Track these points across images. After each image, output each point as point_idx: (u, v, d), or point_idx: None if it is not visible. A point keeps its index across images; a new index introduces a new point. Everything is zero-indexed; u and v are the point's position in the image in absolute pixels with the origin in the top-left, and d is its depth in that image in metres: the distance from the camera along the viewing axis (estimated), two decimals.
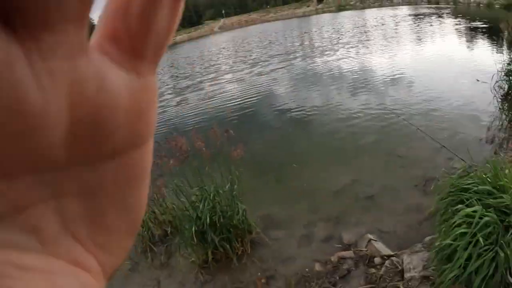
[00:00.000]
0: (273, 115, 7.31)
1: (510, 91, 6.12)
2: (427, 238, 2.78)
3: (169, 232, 3.70)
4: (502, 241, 1.95)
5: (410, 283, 2.32)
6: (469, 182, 2.35)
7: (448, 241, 1.99)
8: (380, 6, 47.43)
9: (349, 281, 2.62)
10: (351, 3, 57.92)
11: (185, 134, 3.59)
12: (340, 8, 52.34)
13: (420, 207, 3.49)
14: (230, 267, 3.13)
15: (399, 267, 2.54)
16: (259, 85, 10.13)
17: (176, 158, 3.08)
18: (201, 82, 12.48)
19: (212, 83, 11.95)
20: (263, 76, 11.32)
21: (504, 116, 5.45)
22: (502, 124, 5.17)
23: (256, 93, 9.25)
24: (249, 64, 14.23)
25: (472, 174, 2.46)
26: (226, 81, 11.75)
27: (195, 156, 3.23)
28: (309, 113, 6.98)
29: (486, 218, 1.95)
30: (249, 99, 8.77)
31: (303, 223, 3.60)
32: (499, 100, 6.04)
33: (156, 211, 3.75)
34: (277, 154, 5.42)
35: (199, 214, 3.01)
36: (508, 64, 6.18)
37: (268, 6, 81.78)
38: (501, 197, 2.12)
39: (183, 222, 3.20)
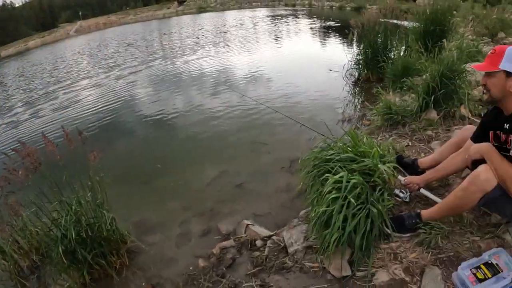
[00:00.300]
0: (135, 119, 6.96)
1: (359, 77, 7.33)
2: (302, 212, 2.96)
3: (37, 260, 3.21)
4: (372, 199, 2.22)
5: (295, 256, 2.45)
6: (331, 153, 2.60)
7: (323, 208, 2.16)
8: (240, 8, 49.15)
9: (237, 269, 2.62)
10: (212, 5, 58.47)
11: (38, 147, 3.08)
12: (201, 10, 52.45)
13: (289, 187, 3.72)
14: (111, 284, 2.86)
15: (282, 244, 2.64)
16: (118, 90, 9.54)
17: (26, 168, 2.58)
18: (55, 91, 11.15)
19: (67, 90, 10.85)
20: (121, 80, 10.68)
21: (356, 100, 6.40)
22: (355, 106, 6.04)
23: (116, 99, 8.68)
24: (107, 68, 13.23)
25: (333, 145, 2.73)
26: (83, 88, 10.77)
27: (49, 164, 2.77)
28: (172, 114, 6.85)
29: (353, 181, 2.18)
30: (108, 105, 8.19)
31: (178, 222, 3.54)
32: (351, 85, 7.14)
33: (19, 240, 3.17)
34: (142, 158, 5.23)
35: (63, 231, 2.63)
36: (357, 54, 7.29)
37: (128, 8, 77.26)
38: (363, 161, 2.40)
39: (49, 245, 2.77)
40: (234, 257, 2.75)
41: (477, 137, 2.22)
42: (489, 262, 1.86)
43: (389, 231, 2.24)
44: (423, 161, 2.82)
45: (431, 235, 2.17)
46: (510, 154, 1.93)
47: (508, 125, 1.96)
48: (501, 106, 2.02)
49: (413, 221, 2.25)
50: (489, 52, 1.98)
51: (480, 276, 1.79)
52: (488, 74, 1.96)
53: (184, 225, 3.48)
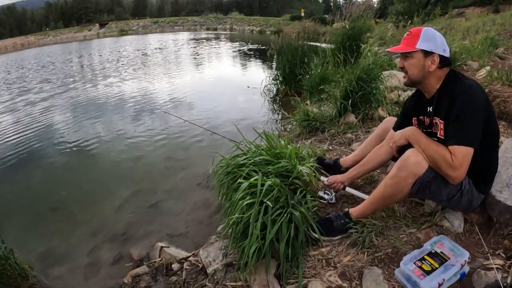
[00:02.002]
0: (46, 147, 6.13)
1: (278, 92, 7.47)
2: (220, 227, 2.68)
3: None
4: (293, 202, 1.94)
5: (215, 277, 2.11)
6: (244, 157, 2.32)
7: (236, 216, 1.84)
8: (162, 31, 49.01)
9: None
10: (134, 28, 57.54)
11: None
12: (122, 33, 51.28)
13: (207, 202, 3.49)
14: None
15: (200, 265, 2.31)
16: (32, 116, 8.39)
17: None
18: None
19: None
20: (34, 106, 9.43)
21: (275, 113, 6.47)
22: (273, 119, 6.07)
23: (28, 125, 7.62)
24: (19, 92, 11.66)
25: (246, 150, 2.45)
26: None
27: None
28: (86, 139, 6.10)
29: (268, 182, 1.91)
30: (15, 135, 7.17)
31: (87, 250, 3.12)
32: (269, 101, 7.24)
33: None
34: (51, 185, 4.62)
35: None
36: (275, 69, 7.49)
37: (48, 29, 72.68)
38: (279, 163, 2.14)
39: None
40: (149, 285, 2.43)
41: (400, 126, 2.12)
42: (433, 251, 1.72)
43: (316, 236, 1.97)
44: (346, 159, 2.67)
45: (363, 233, 1.96)
46: (438, 136, 1.84)
47: (431, 107, 1.89)
48: (422, 88, 1.95)
49: (342, 221, 2.03)
50: (405, 34, 1.91)
51: (426, 267, 1.63)
52: (406, 56, 1.89)
53: (93, 253, 3.09)
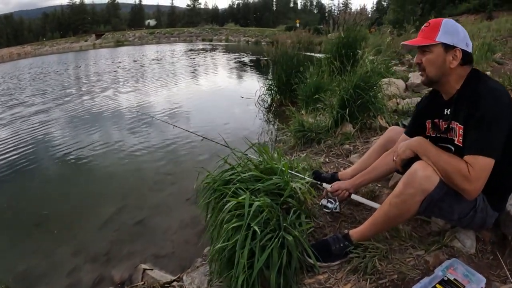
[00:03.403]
0: (29, 161, 5.86)
1: (272, 102, 7.40)
2: (206, 249, 2.48)
3: None
4: (285, 224, 1.72)
5: None
6: (231, 173, 2.10)
7: (219, 243, 1.62)
8: (158, 42, 49.51)
9: None
10: (130, 39, 58.10)
11: None
12: (119, 44, 51.71)
13: (195, 220, 3.31)
14: None
15: None
16: (25, 129, 8.10)
17: None
18: None
19: None
20: (28, 117, 9.13)
21: (269, 124, 6.39)
22: (268, 130, 5.96)
23: (11, 140, 7.37)
24: (12, 104, 11.29)
25: (234, 165, 2.23)
26: None
27: None
28: (75, 152, 5.91)
29: (257, 203, 1.69)
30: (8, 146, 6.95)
31: (67, 270, 2.95)
32: (264, 111, 7.19)
33: None
34: (33, 201, 4.42)
35: None
36: (270, 79, 7.46)
37: (44, 39, 73.06)
38: (270, 179, 1.92)
39: None
40: None
41: (412, 129, 1.93)
42: (445, 278, 1.52)
43: (312, 262, 1.75)
44: (344, 173, 2.46)
45: (365, 258, 1.73)
46: (456, 143, 1.63)
47: (449, 110, 1.67)
48: (440, 88, 1.72)
49: (341, 244, 1.80)
50: (423, 26, 1.69)
51: None
52: (423, 50, 1.65)
53: (73, 274, 2.91)
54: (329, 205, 2.14)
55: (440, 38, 1.59)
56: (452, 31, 1.60)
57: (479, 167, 1.45)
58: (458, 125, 1.61)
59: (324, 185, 2.24)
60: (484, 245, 1.79)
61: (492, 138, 1.47)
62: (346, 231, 1.88)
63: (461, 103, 1.60)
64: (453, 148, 1.65)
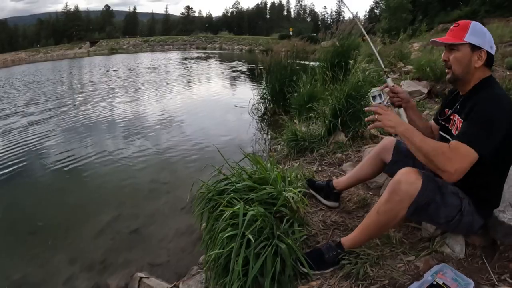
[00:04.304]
0: (25, 169, 5.83)
1: (266, 111, 7.44)
2: (202, 257, 2.51)
3: None
4: (279, 233, 1.77)
5: None
6: (225, 183, 2.15)
7: (215, 250, 1.67)
8: (152, 50, 49.34)
9: None
10: (124, 46, 57.80)
11: None
12: (113, 51, 51.24)
13: (190, 228, 3.33)
14: None
15: None
16: (18, 138, 8.02)
17: None
18: None
19: None
20: (21, 128, 9.00)
21: (262, 133, 6.42)
22: (261, 139, 6.01)
23: (7, 148, 7.30)
24: (4, 114, 11.10)
25: (229, 175, 2.28)
26: None
27: None
28: (70, 161, 5.88)
29: (251, 213, 1.74)
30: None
31: (63, 278, 2.95)
32: (257, 120, 7.22)
33: None
34: (29, 208, 4.42)
35: None
36: (264, 88, 7.46)
37: (39, 45, 72.57)
38: (264, 189, 1.97)
39: None
40: None
41: (437, 115, 2.03)
42: (434, 283, 1.58)
43: (305, 270, 1.80)
44: (339, 181, 2.49)
45: (357, 265, 1.79)
46: (453, 134, 1.72)
47: (459, 105, 1.76)
48: (460, 85, 1.79)
49: (334, 252, 1.86)
50: (452, 26, 1.77)
51: None
52: (451, 49, 1.73)
53: (69, 283, 2.92)
54: (378, 98, 1.98)
55: (468, 38, 1.66)
56: (479, 33, 1.68)
57: (461, 153, 1.51)
58: (459, 119, 1.70)
59: (388, 80, 2.08)
60: (474, 250, 1.85)
61: (482, 135, 1.53)
62: (338, 239, 1.93)
63: (468, 100, 1.68)
64: (451, 139, 1.69)
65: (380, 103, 1.93)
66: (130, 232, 3.49)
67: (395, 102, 2.03)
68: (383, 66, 2.30)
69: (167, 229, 3.45)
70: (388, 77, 2.08)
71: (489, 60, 1.70)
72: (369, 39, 2.61)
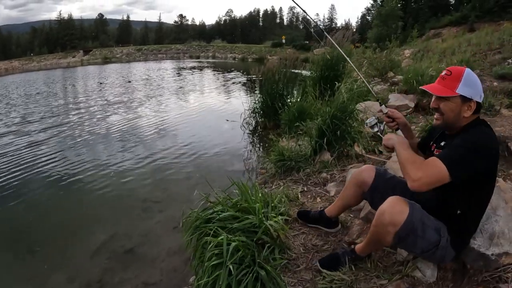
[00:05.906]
0: (22, 186, 5.87)
1: (257, 126, 7.52)
2: (191, 279, 2.65)
3: None
4: (259, 260, 1.92)
5: None
6: (211, 212, 2.30)
7: (204, 279, 1.82)
8: (146, 60, 49.13)
9: None
10: (117, 56, 57.68)
11: None
12: (106, 61, 51.19)
13: (182, 248, 3.32)
14: None
15: None
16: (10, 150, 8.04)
17: None
18: None
19: None
20: (14, 138, 9.02)
21: (253, 149, 6.48)
22: (251, 155, 6.08)
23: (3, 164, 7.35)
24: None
25: (215, 203, 2.43)
26: None
27: None
28: (66, 178, 5.91)
29: (233, 244, 1.90)
30: None
31: None
32: (248, 134, 7.29)
33: None
34: (26, 227, 4.46)
35: None
36: (255, 103, 7.52)
37: (32, 54, 71.97)
38: (247, 218, 2.12)
39: None
40: None
41: (420, 143, 2.18)
42: None
43: None
44: (330, 210, 2.57)
45: None
46: None
47: (444, 143, 1.88)
48: (448, 129, 1.87)
49: (349, 257, 2.10)
50: (444, 73, 1.78)
51: None
52: (443, 98, 1.76)
53: None
54: (375, 128, 2.14)
55: (460, 90, 1.69)
56: (472, 84, 1.71)
57: (431, 166, 1.62)
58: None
59: (383, 107, 2.17)
60: (445, 273, 1.98)
61: (460, 159, 1.61)
62: (352, 246, 2.15)
63: (456, 137, 1.75)
64: None
65: (377, 132, 2.13)
66: (125, 252, 3.59)
67: (392, 127, 2.14)
68: (375, 94, 2.45)
69: (160, 248, 3.55)
70: (382, 104, 2.17)
71: (478, 108, 1.75)
72: (351, 63, 2.76)
